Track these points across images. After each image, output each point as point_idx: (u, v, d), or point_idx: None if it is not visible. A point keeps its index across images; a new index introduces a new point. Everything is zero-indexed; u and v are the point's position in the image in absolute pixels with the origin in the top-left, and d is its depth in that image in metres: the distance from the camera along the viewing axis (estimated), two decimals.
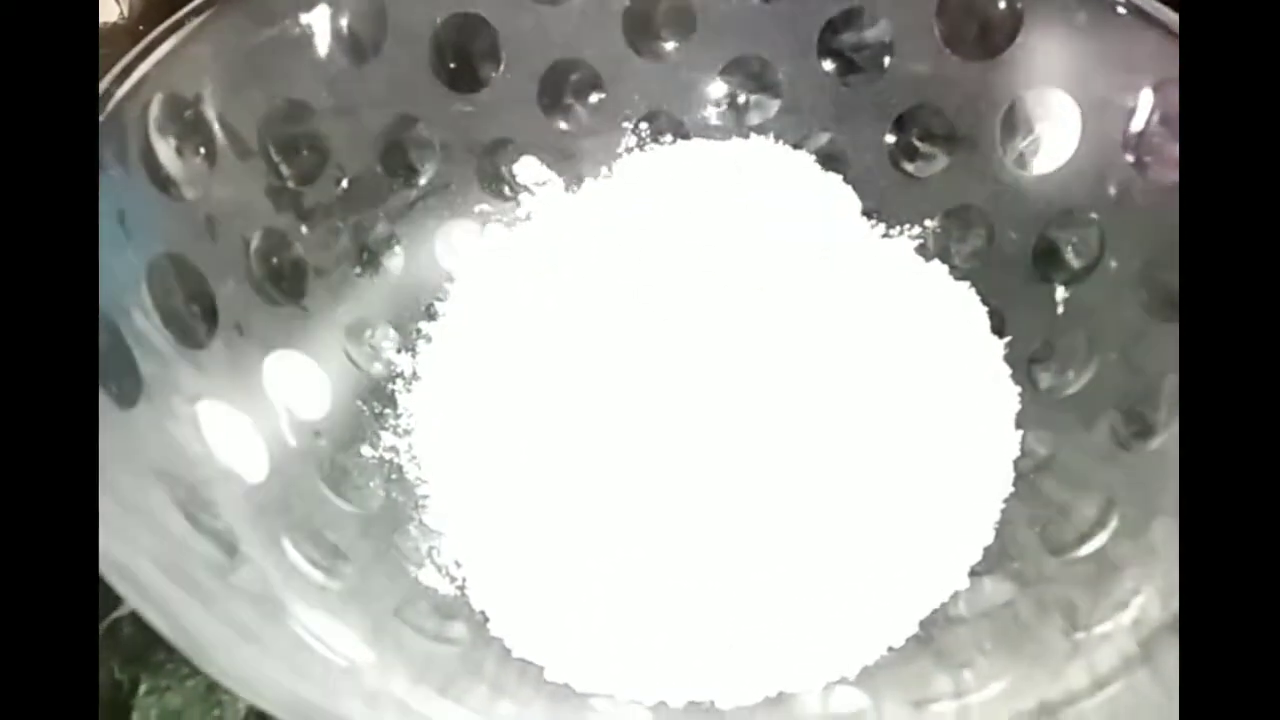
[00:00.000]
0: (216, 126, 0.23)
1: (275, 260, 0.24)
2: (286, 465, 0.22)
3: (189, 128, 0.22)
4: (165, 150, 0.21)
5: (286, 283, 0.24)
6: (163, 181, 0.21)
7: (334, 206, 0.25)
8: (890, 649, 0.21)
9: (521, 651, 0.21)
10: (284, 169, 0.24)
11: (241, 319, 0.22)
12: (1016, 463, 0.24)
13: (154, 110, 0.21)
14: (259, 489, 0.21)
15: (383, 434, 0.24)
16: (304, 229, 0.25)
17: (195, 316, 0.21)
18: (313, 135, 0.25)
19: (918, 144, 0.29)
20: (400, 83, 0.26)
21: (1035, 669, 0.19)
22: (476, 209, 0.28)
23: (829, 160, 0.29)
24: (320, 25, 0.25)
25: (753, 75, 0.30)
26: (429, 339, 0.26)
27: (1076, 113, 0.26)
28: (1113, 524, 0.21)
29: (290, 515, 0.21)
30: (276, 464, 0.21)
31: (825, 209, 0.29)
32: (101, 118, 0.20)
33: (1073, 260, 0.26)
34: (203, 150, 0.22)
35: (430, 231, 0.28)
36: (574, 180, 0.29)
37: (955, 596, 0.22)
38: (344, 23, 0.25)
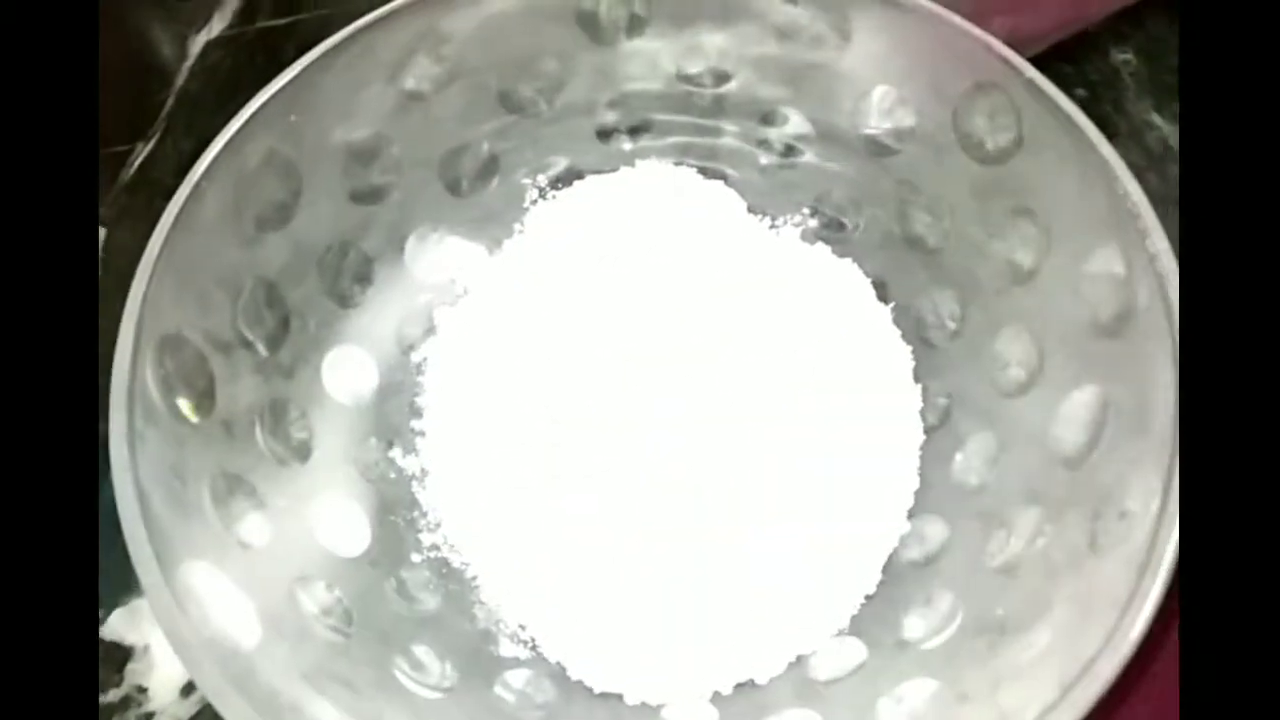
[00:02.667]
0: None
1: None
2: (363, 606, 0.26)
3: None
4: None
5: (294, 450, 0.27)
6: None
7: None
8: (867, 597, 0.27)
9: (603, 686, 0.26)
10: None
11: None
12: (922, 412, 0.30)
13: None
14: (348, 643, 0.25)
15: (420, 536, 0.29)
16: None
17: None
18: None
19: (783, 140, 0.33)
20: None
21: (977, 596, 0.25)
22: (421, 300, 0.32)
23: (707, 171, 0.33)
24: None
25: (626, 111, 0.33)
26: (422, 434, 0.30)
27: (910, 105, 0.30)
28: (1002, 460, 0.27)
29: (387, 646, 0.25)
30: (359, 611, 0.25)
31: (714, 212, 0.33)
32: None
33: (929, 228, 0.31)
34: None
35: (387, 335, 0.31)
36: (493, 243, 0.33)
37: (904, 541, 0.28)
38: None
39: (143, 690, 0.30)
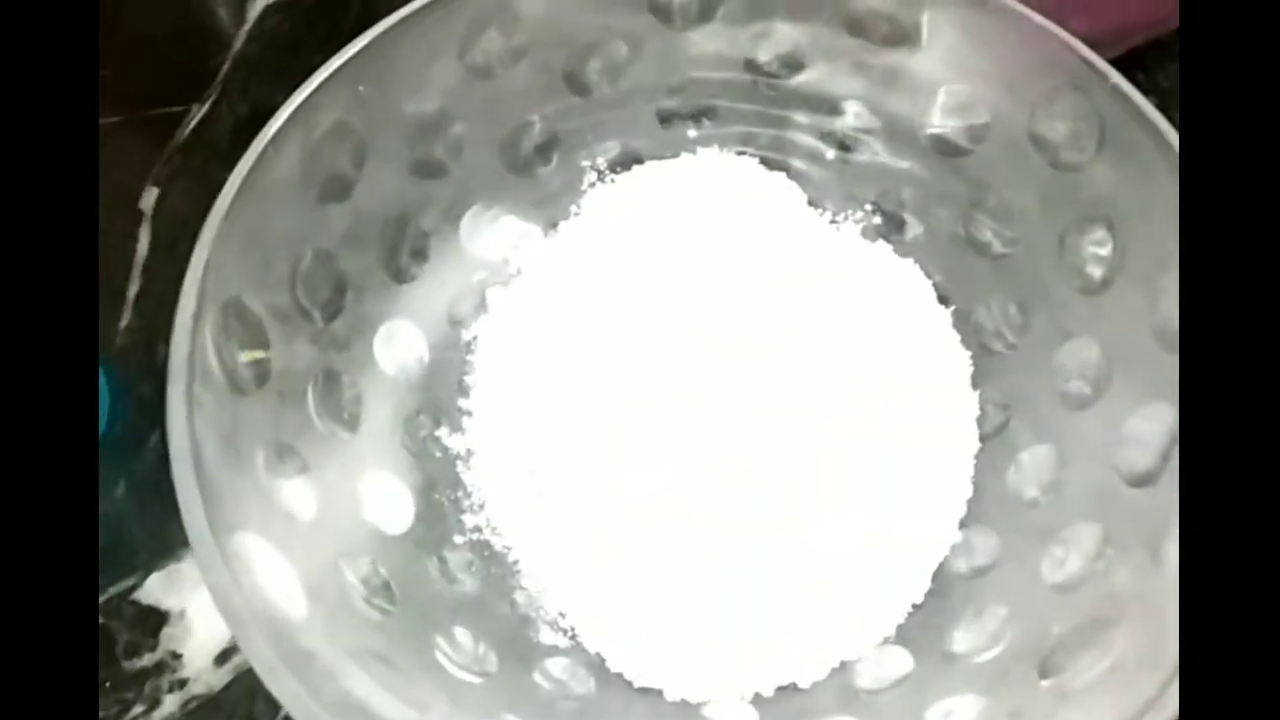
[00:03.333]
0: None
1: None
2: (406, 585, 0.25)
3: None
4: None
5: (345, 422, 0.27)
6: None
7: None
8: (914, 606, 0.27)
9: (642, 680, 0.26)
10: None
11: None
12: (978, 420, 0.29)
13: None
14: (389, 621, 0.24)
15: (464, 517, 0.28)
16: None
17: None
18: None
19: (850, 134, 0.32)
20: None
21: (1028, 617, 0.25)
22: (475, 278, 0.31)
23: (770, 162, 0.33)
24: None
25: (689, 97, 0.32)
26: (469, 413, 0.30)
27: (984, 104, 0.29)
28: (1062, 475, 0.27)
29: (428, 625, 0.25)
30: (402, 589, 0.25)
31: (774, 204, 0.33)
32: None
33: (996, 232, 0.30)
34: None
35: (439, 312, 0.30)
36: (549, 224, 0.32)
37: (954, 550, 0.28)
38: None
39: (177, 656, 0.30)
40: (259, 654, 0.19)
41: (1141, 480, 0.24)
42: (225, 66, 0.41)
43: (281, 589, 0.21)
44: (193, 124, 0.39)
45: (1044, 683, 0.23)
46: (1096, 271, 0.27)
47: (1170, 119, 0.35)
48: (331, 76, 0.25)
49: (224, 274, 0.23)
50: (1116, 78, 0.26)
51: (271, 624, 0.20)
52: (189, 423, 0.21)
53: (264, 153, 0.23)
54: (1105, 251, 0.27)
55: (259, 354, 0.22)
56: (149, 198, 0.37)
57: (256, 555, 0.21)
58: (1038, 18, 0.27)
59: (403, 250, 0.29)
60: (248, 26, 0.42)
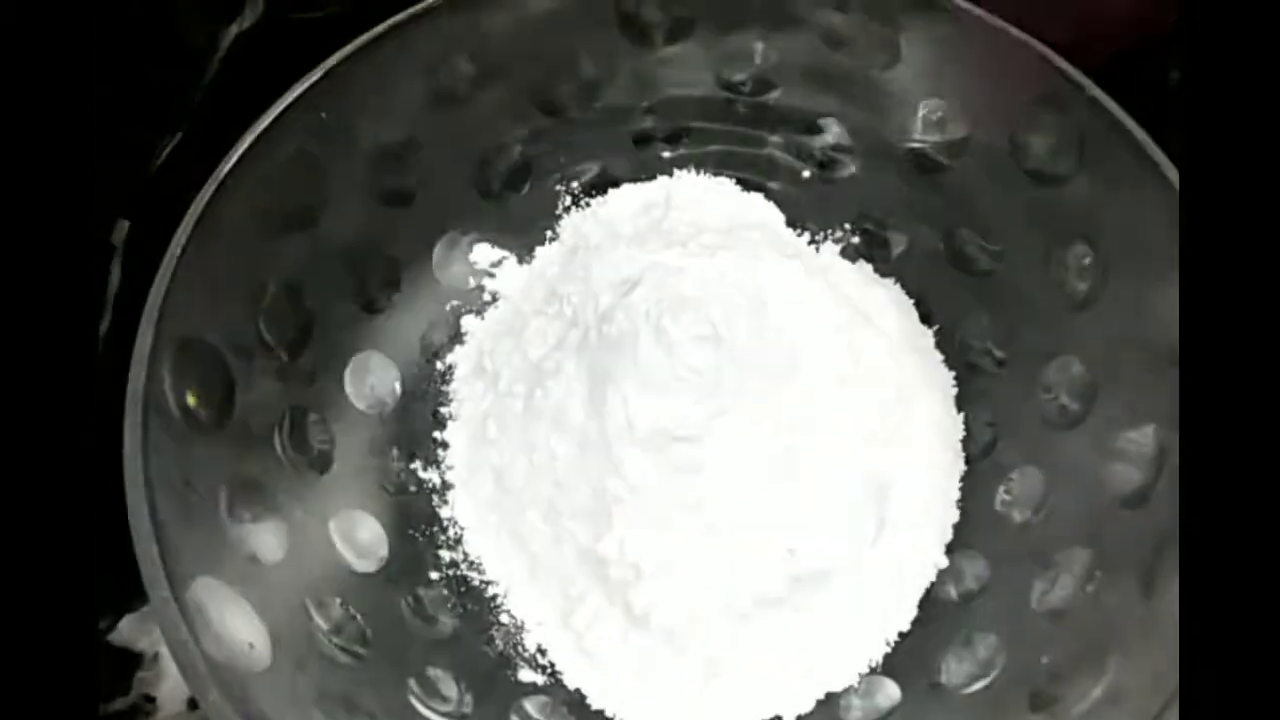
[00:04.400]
0: None
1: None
2: (379, 626, 0.25)
3: None
4: None
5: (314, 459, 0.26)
6: None
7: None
8: (901, 634, 0.26)
9: (624, 716, 0.25)
10: None
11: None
12: (964, 442, 0.29)
13: None
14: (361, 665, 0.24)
15: (440, 553, 0.28)
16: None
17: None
18: None
19: (828, 153, 0.32)
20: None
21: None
22: (448, 307, 0.31)
23: (747, 182, 0.32)
24: None
25: (664, 118, 0.32)
26: (445, 445, 0.29)
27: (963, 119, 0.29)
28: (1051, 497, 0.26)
29: (402, 668, 0.24)
30: (375, 630, 0.24)
31: (752, 225, 0.32)
32: None
33: (978, 249, 0.30)
34: None
35: (411, 342, 0.30)
36: (524, 250, 0.32)
37: (941, 576, 0.27)
38: None
39: (150, 700, 0.29)
40: (216, 708, 0.18)
41: (1132, 501, 0.23)
42: (198, 95, 0.40)
43: (243, 635, 0.21)
44: (164, 154, 0.39)
45: (1036, 715, 0.22)
46: (1081, 286, 0.26)
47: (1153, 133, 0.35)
48: (291, 105, 0.24)
49: (181, 311, 0.22)
50: (1094, 90, 0.25)
51: (232, 675, 0.19)
52: (144, 469, 0.20)
53: (222, 184, 0.23)
54: (1089, 265, 0.26)
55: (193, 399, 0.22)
56: (120, 230, 0.37)
57: (216, 601, 0.20)
58: (1014, 30, 0.27)
59: (372, 280, 0.28)
60: (220, 54, 0.41)
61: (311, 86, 0.25)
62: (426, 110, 0.28)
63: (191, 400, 0.21)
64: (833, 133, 0.31)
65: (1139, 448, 0.24)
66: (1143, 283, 0.25)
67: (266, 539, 0.23)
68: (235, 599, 0.21)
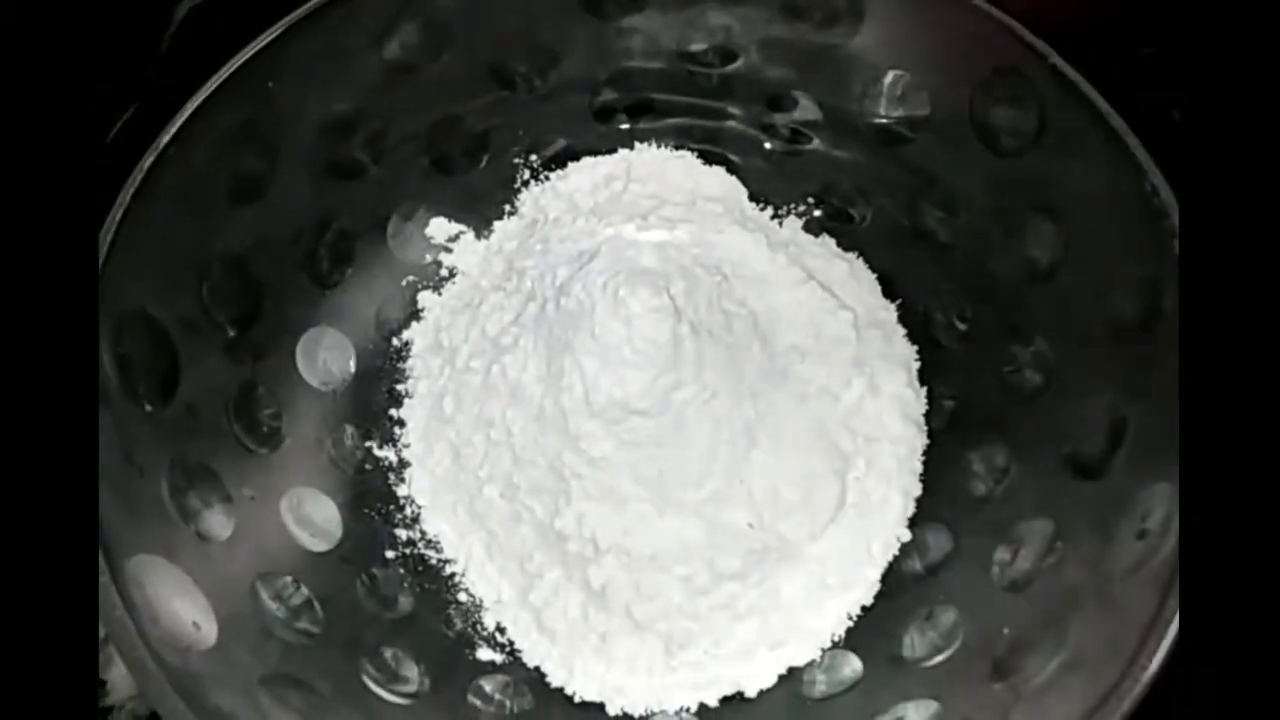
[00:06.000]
0: None
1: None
2: (332, 606, 0.24)
3: None
4: None
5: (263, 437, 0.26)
6: None
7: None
8: (863, 608, 0.26)
9: (583, 695, 0.25)
10: None
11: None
12: (927, 416, 0.29)
13: None
14: (313, 645, 0.23)
15: (396, 531, 0.27)
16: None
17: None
18: None
19: (790, 126, 0.31)
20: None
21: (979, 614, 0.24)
22: (404, 282, 0.30)
23: (709, 155, 0.32)
24: None
25: (624, 90, 0.31)
26: (401, 423, 0.29)
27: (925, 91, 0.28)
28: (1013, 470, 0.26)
29: (356, 648, 0.24)
30: (328, 610, 0.24)
31: (714, 198, 0.32)
32: None
33: (941, 221, 0.29)
34: None
35: (367, 318, 0.29)
36: (482, 224, 0.31)
37: (905, 550, 0.27)
38: None
39: (100, 684, 0.28)
40: (155, 689, 0.18)
41: (1091, 472, 0.23)
42: (150, 70, 0.39)
43: (187, 614, 0.20)
44: (116, 130, 0.38)
45: (998, 685, 0.22)
46: (1043, 258, 0.26)
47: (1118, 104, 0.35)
48: (235, 73, 0.23)
49: (120, 284, 0.21)
50: (1056, 59, 0.25)
51: (175, 655, 0.19)
52: None
53: (162, 154, 0.22)
54: (1051, 237, 0.26)
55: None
56: None
57: (157, 579, 0.20)
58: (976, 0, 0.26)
59: (324, 254, 0.28)
60: (171, 30, 0.40)
61: (256, 54, 0.24)
62: (378, 81, 0.27)
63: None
64: (796, 106, 0.31)
65: (1098, 419, 0.24)
66: (1104, 254, 0.24)
67: (213, 517, 0.23)
68: (178, 577, 0.20)
